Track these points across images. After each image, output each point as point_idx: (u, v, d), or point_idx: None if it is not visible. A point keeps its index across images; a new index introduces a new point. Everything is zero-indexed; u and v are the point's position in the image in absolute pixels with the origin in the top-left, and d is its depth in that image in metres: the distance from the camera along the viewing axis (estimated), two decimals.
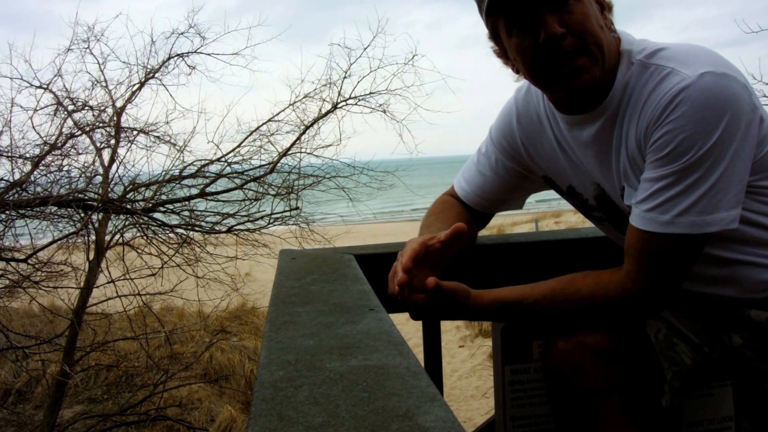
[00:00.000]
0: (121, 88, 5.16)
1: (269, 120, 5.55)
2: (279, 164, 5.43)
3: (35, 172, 4.39)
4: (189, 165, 5.27)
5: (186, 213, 5.08)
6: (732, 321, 1.15)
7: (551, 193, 1.36)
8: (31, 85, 4.79)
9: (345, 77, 5.55)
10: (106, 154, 4.89)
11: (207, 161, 5.30)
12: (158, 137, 5.19)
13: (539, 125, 1.22)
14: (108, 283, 4.60)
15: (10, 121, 4.47)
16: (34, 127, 4.64)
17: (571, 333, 1.16)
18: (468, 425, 4.15)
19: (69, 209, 4.34)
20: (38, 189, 4.44)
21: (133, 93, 5.15)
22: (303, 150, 5.53)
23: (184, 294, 4.92)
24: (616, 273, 1.07)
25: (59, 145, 4.60)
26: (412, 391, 0.60)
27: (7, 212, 4.05)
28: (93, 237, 4.78)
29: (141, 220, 4.80)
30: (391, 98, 5.58)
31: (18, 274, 4.08)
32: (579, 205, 1.27)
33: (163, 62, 5.30)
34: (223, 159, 5.35)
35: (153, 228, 4.93)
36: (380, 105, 5.59)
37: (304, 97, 5.58)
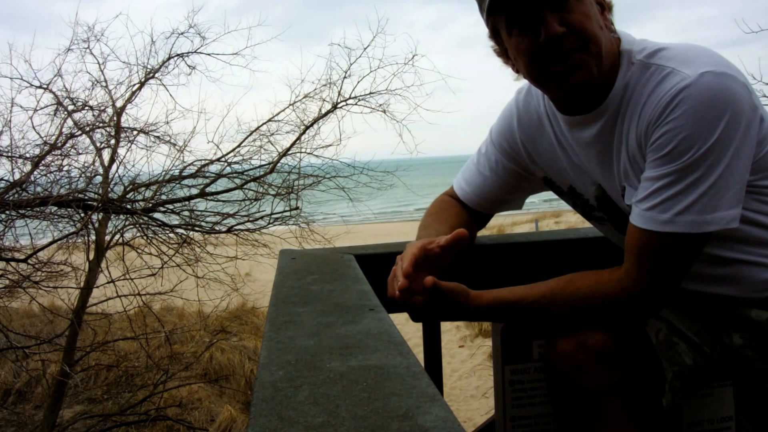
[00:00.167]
0: (121, 88, 5.17)
1: (269, 120, 5.56)
2: (279, 164, 5.43)
3: (35, 172, 4.39)
4: (189, 165, 5.27)
5: (186, 213, 5.08)
6: (732, 321, 1.14)
7: (552, 193, 1.35)
8: (31, 85, 4.79)
9: (345, 77, 5.56)
10: (106, 154, 4.89)
11: (207, 161, 5.30)
12: (158, 137, 5.20)
13: (540, 126, 1.22)
14: (108, 283, 4.60)
15: (10, 121, 4.48)
16: (34, 127, 4.65)
17: (571, 333, 1.16)
18: (468, 425, 4.15)
19: (69, 209, 4.34)
20: (38, 189, 4.44)
21: (133, 93, 5.15)
22: (303, 150, 5.54)
23: (184, 294, 4.91)
24: (615, 272, 1.07)
25: (59, 145, 4.60)
26: (412, 391, 0.60)
27: (7, 212, 4.05)
28: (93, 237, 4.78)
29: (141, 220, 4.80)
30: (391, 98, 5.59)
31: (18, 274, 4.07)
32: (580, 205, 1.27)
33: (163, 62, 5.30)
34: (223, 159, 5.35)
35: (153, 228, 4.93)
36: (380, 105, 5.60)
37: (304, 97, 5.59)
